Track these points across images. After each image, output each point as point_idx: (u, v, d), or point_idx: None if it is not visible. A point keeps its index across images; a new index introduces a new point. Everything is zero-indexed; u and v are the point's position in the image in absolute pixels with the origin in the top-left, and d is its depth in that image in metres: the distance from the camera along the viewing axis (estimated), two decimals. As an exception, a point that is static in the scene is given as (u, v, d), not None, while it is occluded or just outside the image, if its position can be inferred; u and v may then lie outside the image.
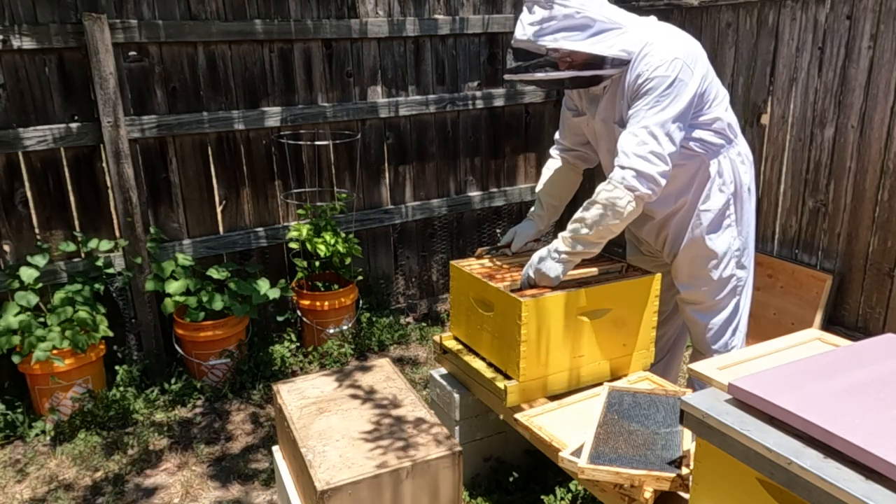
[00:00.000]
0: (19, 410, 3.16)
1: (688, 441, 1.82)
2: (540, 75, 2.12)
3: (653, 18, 2.25)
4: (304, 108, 3.74)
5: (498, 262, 2.56)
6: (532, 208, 2.68)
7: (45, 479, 2.83)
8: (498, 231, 4.60)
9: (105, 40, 3.13)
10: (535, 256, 2.28)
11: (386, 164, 4.10)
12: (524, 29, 2.09)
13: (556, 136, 2.65)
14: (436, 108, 4.10)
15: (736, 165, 2.34)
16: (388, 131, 4.04)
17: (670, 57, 2.08)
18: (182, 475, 2.87)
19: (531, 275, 2.27)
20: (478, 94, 4.22)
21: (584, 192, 2.67)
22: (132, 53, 3.24)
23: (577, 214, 2.20)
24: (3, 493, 2.75)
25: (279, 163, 3.78)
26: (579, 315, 2.27)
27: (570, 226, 2.22)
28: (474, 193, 4.40)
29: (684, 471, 1.72)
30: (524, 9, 2.11)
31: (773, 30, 3.27)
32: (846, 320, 3.19)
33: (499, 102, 4.31)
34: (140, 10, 3.27)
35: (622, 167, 2.10)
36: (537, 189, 2.66)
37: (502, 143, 4.44)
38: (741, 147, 2.38)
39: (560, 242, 2.23)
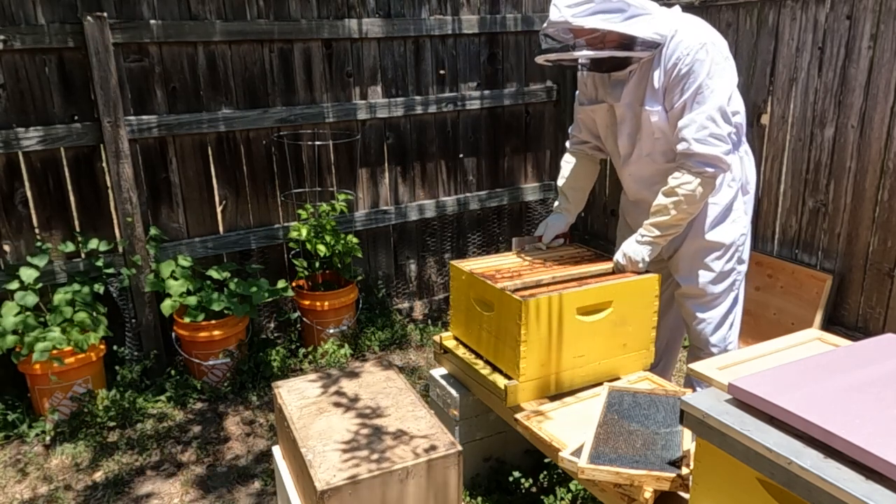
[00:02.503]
0: (19, 410, 3.16)
1: (688, 441, 1.82)
2: (578, 53, 2.19)
3: (677, 8, 2.33)
4: (305, 108, 3.74)
5: (518, 260, 2.58)
6: (557, 203, 2.76)
7: (45, 479, 2.83)
8: (498, 231, 4.60)
9: (105, 40, 3.13)
10: (624, 243, 2.41)
11: (386, 165, 4.09)
12: (560, 11, 2.15)
13: (571, 130, 2.73)
14: (436, 108, 4.10)
15: (744, 162, 2.45)
16: (388, 131, 4.04)
17: (703, 41, 2.17)
18: (181, 475, 2.87)
19: (620, 260, 2.42)
20: (478, 94, 4.23)
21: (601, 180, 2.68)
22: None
23: (656, 203, 2.32)
24: (3, 493, 2.75)
25: (279, 163, 3.78)
26: (579, 315, 2.27)
27: (650, 214, 2.34)
28: (474, 193, 4.40)
29: (684, 471, 1.72)
30: None
31: (773, 30, 3.27)
32: (846, 320, 3.19)
33: (499, 102, 4.31)
34: (140, 10, 3.27)
35: (687, 154, 2.20)
36: (559, 184, 2.74)
37: (502, 143, 4.44)
38: (746, 144, 2.49)
39: (643, 228, 2.36)
